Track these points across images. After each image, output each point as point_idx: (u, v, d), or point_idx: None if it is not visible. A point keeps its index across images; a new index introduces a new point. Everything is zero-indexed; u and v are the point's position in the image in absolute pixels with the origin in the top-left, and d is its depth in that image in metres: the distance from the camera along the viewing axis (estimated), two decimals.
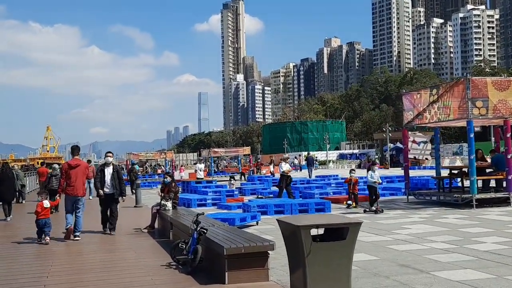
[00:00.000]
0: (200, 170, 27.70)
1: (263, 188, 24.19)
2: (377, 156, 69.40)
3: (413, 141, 17.28)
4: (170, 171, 45.60)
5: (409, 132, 17.15)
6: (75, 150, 11.68)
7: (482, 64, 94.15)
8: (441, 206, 15.65)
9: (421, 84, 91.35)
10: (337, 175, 36.85)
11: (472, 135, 14.07)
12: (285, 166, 19.51)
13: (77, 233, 10.62)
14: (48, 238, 10.15)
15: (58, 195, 11.91)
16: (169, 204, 11.86)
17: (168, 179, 12.41)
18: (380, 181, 16.37)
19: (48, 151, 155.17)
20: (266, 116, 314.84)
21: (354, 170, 17.31)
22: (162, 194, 12.23)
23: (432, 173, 33.32)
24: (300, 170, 55.56)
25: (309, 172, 41.28)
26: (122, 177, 11.85)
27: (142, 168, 55.29)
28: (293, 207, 14.96)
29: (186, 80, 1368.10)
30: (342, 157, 76.03)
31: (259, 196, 22.14)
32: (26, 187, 25.90)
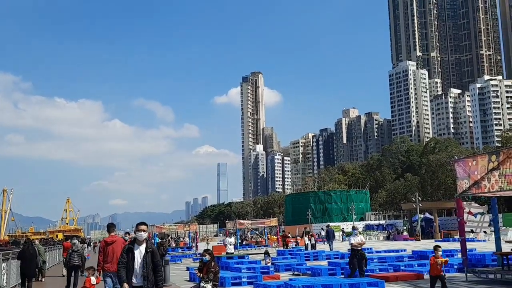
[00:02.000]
0: (230, 244, 26.12)
1: (297, 264, 22.50)
2: (405, 228, 66.96)
3: (469, 213, 15.77)
4: (192, 244, 43.97)
5: (464, 203, 15.61)
6: (111, 227, 11.62)
7: (509, 132, 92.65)
8: (506, 285, 13.94)
9: (446, 154, 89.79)
10: (370, 248, 34.87)
11: None
12: (356, 238, 16.69)
13: None
14: None
15: (98, 273, 11.37)
16: (209, 286, 10.49)
17: (207, 257, 11.06)
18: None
19: (67, 223, 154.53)
20: (286, 186, 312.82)
21: (439, 246, 13.57)
22: (201, 274, 10.87)
23: (478, 246, 31.30)
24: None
25: (329, 245, 39.24)
26: (160, 261, 8.67)
27: (164, 241, 53.72)
28: (343, 287, 13.38)
29: (205, 151, 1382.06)
30: (368, 228, 73.46)
31: (296, 273, 20.50)
32: (47, 263, 24.70)
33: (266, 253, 23.92)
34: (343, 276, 18.00)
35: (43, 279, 20.96)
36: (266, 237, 42.80)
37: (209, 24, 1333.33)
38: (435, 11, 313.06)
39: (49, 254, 28.55)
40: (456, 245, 37.17)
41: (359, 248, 16.25)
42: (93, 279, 10.69)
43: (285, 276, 19.64)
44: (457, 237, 52.49)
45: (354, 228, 17.77)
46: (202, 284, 10.47)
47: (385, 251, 32.65)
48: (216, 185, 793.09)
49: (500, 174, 13.58)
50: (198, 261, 32.87)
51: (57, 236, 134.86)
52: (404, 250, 33.61)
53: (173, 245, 46.96)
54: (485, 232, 23.37)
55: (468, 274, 15.77)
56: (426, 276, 16.82)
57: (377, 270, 17.97)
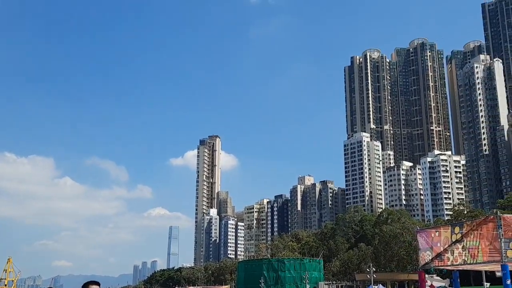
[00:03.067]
0: None
1: None
2: None
3: (431, 286, 15.51)
4: None
5: (426, 275, 15.45)
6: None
7: (461, 206, 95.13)
8: None
9: (400, 225, 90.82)
10: None
11: (508, 281, 12.50)
12: None
13: None
14: None
15: None
16: None
17: None
18: None
19: (6, 285, 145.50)
20: (239, 252, 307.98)
21: None
22: None
23: None
24: None
25: None
26: None
27: None
28: None
29: (157, 213, 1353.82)
30: None
31: None
32: None
33: None
34: None
35: None
36: None
37: (167, 85, 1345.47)
38: (388, 87, 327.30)
39: None
40: None
41: None
42: None
43: None
44: None
45: None
46: None
47: None
48: (166, 249, 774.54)
49: (463, 247, 13.54)
50: None
51: None
52: None
53: None
54: None
55: None
56: None
57: None
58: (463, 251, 13.44)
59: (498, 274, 15.91)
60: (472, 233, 13.34)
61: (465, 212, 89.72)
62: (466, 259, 13.49)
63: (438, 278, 14.29)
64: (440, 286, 14.27)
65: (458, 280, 15.91)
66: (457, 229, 13.98)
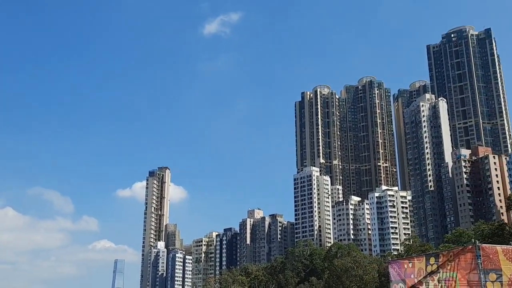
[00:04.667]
0: None
1: None
2: None
3: None
4: None
5: None
6: None
7: (411, 240, 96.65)
8: None
9: (351, 259, 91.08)
10: None
11: None
12: None
13: None
14: None
15: None
16: None
17: None
18: None
19: None
20: (186, 287, 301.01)
21: None
22: None
23: None
24: None
25: None
26: None
27: None
28: None
29: (102, 246, 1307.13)
30: None
31: None
32: None
33: None
34: None
35: None
36: None
37: (115, 116, 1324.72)
38: (338, 122, 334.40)
39: None
40: None
41: None
42: None
43: None
44: None
45: None
46: None
47: None
48: (111, 283, 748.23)
49: (439, 279, 13.17)
50: None
51: None
52: None
53: None
54: None
55: None
56: None
57: None
58: (438, 283, 13.08)
59: None
60: (449, 264, 13.00)
61: (416, 245, 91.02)
62: None
63: None
64: None
65: None
66: (432, 260, 13.62)
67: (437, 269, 13.27)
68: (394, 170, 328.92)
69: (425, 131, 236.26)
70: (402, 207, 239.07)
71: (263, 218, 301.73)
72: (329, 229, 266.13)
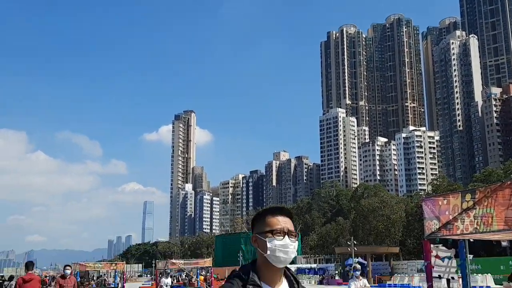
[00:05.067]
0: (167, 286, 23.67)
1: None
2: (337, 272, 66.28)
3: (436, 256, 14.52)
4: (119, 284, 40.73)
5: (431, 245, 14.48)
6: (29, 265, 12.36)
7: (439, 180, 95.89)
8: None
9: (378, 199, 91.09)
10: None
11: None
12: (358, 283, 13.03)
13: None
14: None
15: None
16: None
17: None
18: None
19: None
20: (214, 227, 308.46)
21: None
22: None
23: None
24: None
25: None
26: None
27: (83, 281, 49.58)
28: None
29: (131, 188, 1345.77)
30: (300, 271, 72.19)
31: None
32: None
33: None
34: None
35: None
36: (198, 279, 40.47)
37: (141, 60, 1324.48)
38: (364, 62, 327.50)
39: None
40: None
41: None
42: None
43: None
44: (389, 282, 52.24)
45: (355, 268, 13.53)
46: None
47: None
48: (141, 223, 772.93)
49: (476, 215, 12.54)
50: None
51: None
52: None
53: (93, 284, 43.30)
54: (452, 278, 22.89)
55: None
56: None
57: None
58: (474, 219, 12.44)
59: (504, 243, 15.07)
60: (485, 200, 12.33)
61: (444, 184, 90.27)
62: (478, 227, 12.50)
63: (444, 248, 13.68)
64: (446, 257, 13.59)
65: (464, 250, 15.01)
66: (468, 196, 12.96)
67: (473, 206, 12.62)
68: (422, 110, 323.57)
69: (454, 70, 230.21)
70: (430, 148, 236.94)
71: (289, 160, 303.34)
72: (355, 170, 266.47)
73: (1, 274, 73.53)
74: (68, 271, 14.01)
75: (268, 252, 3.16)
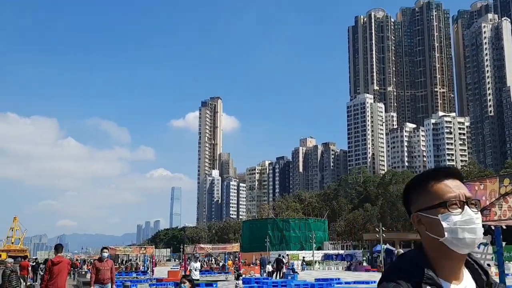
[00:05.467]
0: (196, 270, 23.78)
1: None
2: (364, 258, 65.88)
3: None
4: (148, 268, 41.29)
5: None
6: (58, 248, 12.38)
7: (470, 166, 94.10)
8: None
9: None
10: (339, 279, 33.26)
11: None
12: None
13: None
14: None
15: None
16: None
17: (187, 284, 8.99)
18: None
19: (12, 242, 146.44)
20: (241, 213, 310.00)
21: None
22: None
23: None
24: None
25: (276, 274, 38.05)
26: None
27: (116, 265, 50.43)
28: None
29: (159, 174, 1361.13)
30: (327, 257, 72.06)
31: None
32: None
33: (238, 277, 21.70)
34: None
35: None
36: (226, 263, 40.70)
37: (169, 46, 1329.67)
38: (393, 47, 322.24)
39: None
40: None
41: None
42: None
43: None
44: None
45: (397, 254, 12.26)
46: None
47: (354, 283, 31.01)
48: (169, 209, 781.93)
49: None
50: (154, 287, 30.39)
51: (0, 255, 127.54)
52: (374, 282, 32.15)
53: (122, 268, 43.91)
54: (488, 265, 22.47)
55: None
56: None
57: None
58: None
59: None
60: None
61: (475, 171, 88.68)
62: None
63: None
64: (481, 243, 13.20)
65: (501, 236, 14.58)
66: (506, 181, 12.54)
67: None
68: (452, 95, 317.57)
69: (486, 54, 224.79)
70: (460, 134, 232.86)
71: (315, 147, 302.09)
72: (383, 157, 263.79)
73: (35, 257, 75.39)
74: (106, 254, 13.90)
75: (446, 235, 2.04)
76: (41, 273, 22.27)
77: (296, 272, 38.61)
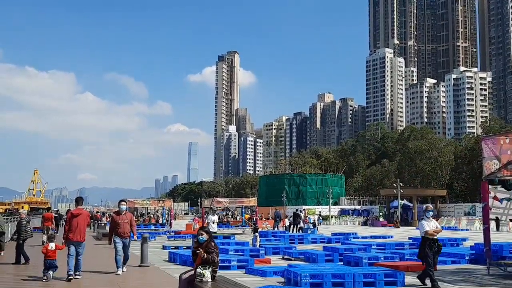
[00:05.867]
0: (213, 223, 23.84)
1: (286, 247, 20.50)
2: (381, 214, 65.98)
3: (495, 198, 13.76)
4: (166, 221, 41.73)
5: (490, 186, 13.69)
6: (79, 200, 12.68)
7: (491, 122, 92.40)
8: None
9: (426, 141, 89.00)
10: (355, 233, 33.25)
11: None
12: (430, 224, 11.84)
13: (78, 273, 11.91)
14: (51, 276, 11.60)
15: (63, 241, 12.44)
16: (207, 273, 8.30)
17: (204, 236, 8.80)
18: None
19: (34, 195, 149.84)
20: (257, 168, 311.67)
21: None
22: (199, 256, 8.64)
23: (464, 235, 29.86)
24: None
25: (293, 228, 38.30)
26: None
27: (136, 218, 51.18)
28: (357, 278, 11.39)
29: (177, 129, 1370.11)
30: (343, 212, 72.37)
31: (286, 257, 18.56)
32: (7, 235, 22.38)
33: (256, 230, 21.65)
34: (341, 263, 16.11)
35: (2, 252, 18.50)
36: (243, 217, 41.02)
37: (186, 1, 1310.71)
38: (414, 0, 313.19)
39: (11, 226, 26.01)
40: (445, 233, 36.04)
41: (436, 238, 11.78)
42: (52, 245, 11.87)
43: (274, 260, 17.67)
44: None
45: (427, 209, 12.18)
46: (199, 271, 8.26)
47: (371, 237, 31.00)
48: (186, 164, 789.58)
49: None
50: (172, 239, 30.73)
51: (22, 207, 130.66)
52: (391, 237, 32.10)
53: (140, 220, 44.50)
54: (511, 220, 22.17)
55: (491, 267, 13.95)
56: (439, 267, 15.04)
57: (382, 258, 16.05)
58: None
59: None
60: None
61: (496, 126, 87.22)
62: None
63: (503, 189, 12.94)
64: (504, 198, 12.88)
65: None
66: None
67: None
68: (474, 50, 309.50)
69: (511, 7, 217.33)
70: (481, 89, 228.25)
71: (333, 102, 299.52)
72: (402, 112, 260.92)
73: (56, 209, 77.05)
74: (124, 207, 13.21)
75: None
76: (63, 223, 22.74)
77: (316, 227, 38.83)
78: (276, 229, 37.48)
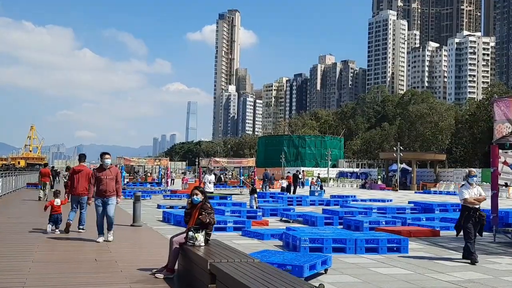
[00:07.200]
0: (210, 183, 23.27)
1: (284, 209, 19.97)
2: (379, 177, 65.73)
3: (505, 163, 13.08)
4: (162, 180, 41.22)
5: (500, 151, 12.99)
6: (81, 157, 13.08)
7: (494, 87, 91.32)
8: None
9: (427, 105, 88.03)
10: (354, 196, 32.83)
11: None
12: (471, 191, 10.36)
13: (81, 227, 12.18)
14: (57, 230, 12.00)
15: (66, 194, 13.16)
16: (200, 237, 7.66)
17: (199, 196, 8.10)
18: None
19: (30, 151, 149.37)
20: (256, 129, 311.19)
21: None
22: (190, 218, 8.00)
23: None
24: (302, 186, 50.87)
25: (264, 188, 38.22)
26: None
27: (130, 175, 50.79)
28: (358, 244, 10.82)
29: (176, 88, 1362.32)
30: (342, 175, 72.14)
31: (284, 219, 18.05)
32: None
33: (254, 192, 21.08)
34: (341, 227, 15.58)
35: None
36: (241, 178, 40.53)
37: None
38: None
39: (2, 181, 25.50)
40: (437, 198, 35.77)
41: (477, 207, 10.38)
42: (57, 201, 12.24)
43: (272, 222, 17.16)
44: (433, 189, 51.24)
45: (470, 174, 10.70)
46: (191, 234, 7.60)
47: (370, 200, 30.59)
48: (185, 123, 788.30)
49: None
50: (168, 198, 30.14)
51: (19, 163, 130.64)
52: (390, 200, 31.74)
53: (138, 179, 44.09)
54: None
55: (498, 234, 13.42)
56: (443, 233, 14.53)
57: (383, 223, 15.50)
58: None
59: None
60: None
61: (500, 92, 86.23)
62: None
63: None
64: None
65: None
66: None
67: None
68: (478, 14, 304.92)
69: None
70: (484, 54, 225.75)
71: (334, 64, 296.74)
72: (403, 76, 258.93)
73: (52, 166, 76.73)
74: (108, 161, 10.90)
75: None
76: (65, 180, 23.85)
77: (323, 189, 38.57)
78: (264, 190, 36.95)
